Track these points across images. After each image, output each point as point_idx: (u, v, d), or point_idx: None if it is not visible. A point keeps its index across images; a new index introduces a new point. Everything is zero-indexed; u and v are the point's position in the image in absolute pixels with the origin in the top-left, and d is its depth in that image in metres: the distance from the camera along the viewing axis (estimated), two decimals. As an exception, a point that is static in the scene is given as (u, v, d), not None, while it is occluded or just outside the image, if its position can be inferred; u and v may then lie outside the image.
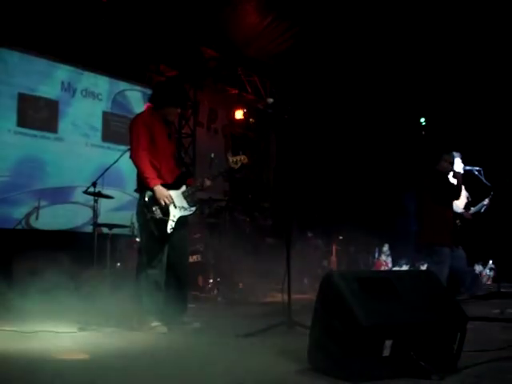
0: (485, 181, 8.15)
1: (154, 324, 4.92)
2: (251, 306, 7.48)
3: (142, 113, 5.27)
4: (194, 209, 5.22)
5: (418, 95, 12.14)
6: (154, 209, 4.93)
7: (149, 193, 4.94)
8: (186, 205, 5.13)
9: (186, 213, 5.13)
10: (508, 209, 8.69)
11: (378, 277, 3.63)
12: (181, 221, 5.08)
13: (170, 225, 4.98)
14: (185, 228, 5.24)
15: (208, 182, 5.24)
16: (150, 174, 4.95)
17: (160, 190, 4.93)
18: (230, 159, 5.31)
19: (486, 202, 8.19)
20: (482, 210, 8.20)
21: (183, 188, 5.15)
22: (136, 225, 8.34)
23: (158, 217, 4.94)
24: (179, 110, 5.53)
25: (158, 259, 5.01)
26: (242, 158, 5.34)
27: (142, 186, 5.04)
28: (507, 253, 9.95)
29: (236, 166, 5.34)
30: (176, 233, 5.05)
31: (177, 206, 5.04)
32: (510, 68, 10.42)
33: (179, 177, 5.19)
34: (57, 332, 4.68)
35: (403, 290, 3.34)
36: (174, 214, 5.02)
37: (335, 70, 12.42)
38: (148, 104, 5.32)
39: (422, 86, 11.97)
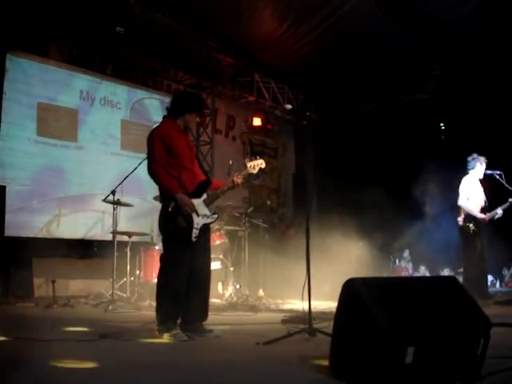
0: (506, 185, 8.08)
1: (174, 332, 4.91)
2: (271, 312, 7.46)
3: (158, 126, 5.29)
4: (215, 216, 5.24)
5: (437, 98, 12.09)
6: (177, 218, 4.96)
7: (172, 202, 4.97)
8: (207, 212, 5.15)
9: (209, 220, 5.16)
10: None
11: (400, 283, 3.59)
12: (203, 229, 5.11)
13: (194, 233, 5.00)
14: (207, 236, 5.28)
15: (240, 179, 5.25)
16: (169, 184, 5.00)
17: (182, 197, 4.95)
18: (248, 164, 5.33)
19: (500, 211, 8.08)
20: (495, 218, 8.11)
21: (204, 196, 5.16)
22: (155, 232, 8.42)
23: (181, 226, 4.97)
24: (198, 118, 5.56)
25: (180, 268, 5.01)
26: (260, 163, 5.37)
27: (165, 195, 5.07)
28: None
29: (254, 171, 5.36)
30: (199, 241, 5.07)
31: (199, 214, 5.05)
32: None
33: (200, 185, 5.19)
34: (77, 340, 4.69)
35: (425, 296, 3.30)
36: (198, 222, 5.04)
37: (352, 74, 12.40)
38: (167, 117, 5.32)
39: (441, 89, 11.93)
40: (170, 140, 5.09)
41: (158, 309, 5.06)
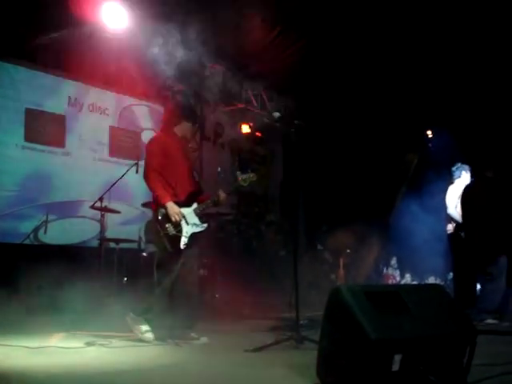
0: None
1: (145, 329, 5.15)
2: (259, 320, 7.45)
3: (159, 133, 5.47)
4: (205, 225, 5.34)
5: (425, 106, 12.13)
6: (167, 225, 5.07)
7: (162, 210, 5.09)
8: (197, 221, 5.26)
9: (198, 229, 5.26)
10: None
11: (387, 290, 3.61)
12: (193, 237, 5.18)
13: (183, 241, 5.11)
14: (196, 245, 5.35)
15: (223, 195, 5.36)
16: (160, 192, 5.11)
17: (171, 206, 5.06)
18: (240, 177, 5.41)
19: None
20: None
21: (195, 205, 5.25)
22: (144, 239, 8.43)
23: (171, 233, 5.05)
24: (193, 127, 5.68)
25: (171, 274, 5.14)
26: (251, 176, 5.47)
27: (156, 203, 5.16)
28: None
29: (245, 184, 5.46)
30: (188, 249, 5.16)
31: (189, 222, 5.16)
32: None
33: (191, 194, 5.30)
34: (64, 347, 4.67)
35: (412, 304, 3.32)
36: (187, 230, 5.14)
37: (343, 82, 12.44)
38: (163, 125, 5.51)
39: (430, 97, 11.97)
40: (168, 148, 5.26)
41: (142, 301, 5.27)
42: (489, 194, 7.22)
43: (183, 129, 5.46)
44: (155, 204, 5.19)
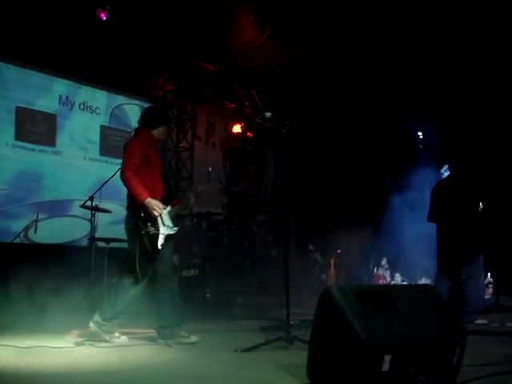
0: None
1: (116, 336, 5.17)
2: (249, 320, 7.44)
3: (139, 136, 5.43)
4: (176, 229, 5.39)
5: (415, 106, 12.17)
6: (148, 224, 5.08)
7: (142, 210, 5.09)
8: (171, 224, 5.29)
9: (171, 232, 5.29)
10: (506, 221, 8.67)
11: (377, 291, 3.62)
12: (167, 239, 5.23)
13: (161, 241, 5.12)
14: (171, 244, 5.38)
15: (193, 200, 5.52)
16: (139, 190, 5.09)
17: (151, 201, 5.07)
18: (200, 186, 5.67)
19: None
20: None
21: (169, 208, 5.31)
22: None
23: (152, 232, 5.08)
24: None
25: (146, 274, 5.19)
26: (206, 186, 5.67)
27: (134, 202, 5.14)
28: (506, 266, 9.92)
29: (199, 189, 5.62)
30: (165, 249, 5.20)
31: (165, 224, 5.20)
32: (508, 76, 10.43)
33: (165, 197, 5.36)
34: (53, 347, 4.66)
35: (402, 304, 3.32)
36: (163, 231, 5.17)
37: (332, 82, 12.47)
38: (142, 129, 5.48)
39: (419, 97, 12.01)
40: (147, 150, 5.27)
41: (111, 306, 5.21)
42: (459, 189, 7.08)
43: (159, 132, 5.52)
44: (132, 203, 5.19)
